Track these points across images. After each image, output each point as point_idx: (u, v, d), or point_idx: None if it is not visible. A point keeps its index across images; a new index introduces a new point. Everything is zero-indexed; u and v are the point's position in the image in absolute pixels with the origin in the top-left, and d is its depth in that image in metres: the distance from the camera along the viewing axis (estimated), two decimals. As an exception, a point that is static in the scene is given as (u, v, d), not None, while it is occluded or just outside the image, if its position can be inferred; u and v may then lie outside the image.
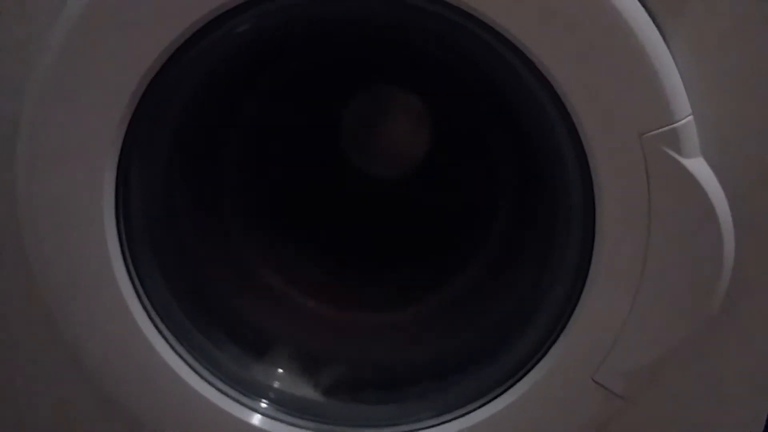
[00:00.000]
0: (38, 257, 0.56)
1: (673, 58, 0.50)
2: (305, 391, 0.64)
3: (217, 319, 0.65)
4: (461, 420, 0.59)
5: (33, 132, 0.54)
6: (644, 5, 0.50)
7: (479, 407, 0.59)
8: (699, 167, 0.51)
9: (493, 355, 0.60)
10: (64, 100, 0.53)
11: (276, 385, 0.64)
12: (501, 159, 0.73)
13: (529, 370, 0.57)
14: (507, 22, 0.49)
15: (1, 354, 0.64)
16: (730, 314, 0.55)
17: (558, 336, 0.56)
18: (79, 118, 0.53)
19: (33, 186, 0.55)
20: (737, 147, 0.52)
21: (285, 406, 0.62)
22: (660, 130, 0.50)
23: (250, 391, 0.62)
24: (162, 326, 0.59)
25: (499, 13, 0.49)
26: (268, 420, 0.61)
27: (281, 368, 0.66)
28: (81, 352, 0.59)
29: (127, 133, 0.54)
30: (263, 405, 0.62)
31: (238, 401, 0.61)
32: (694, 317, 0.54)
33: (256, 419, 0.61)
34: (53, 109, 0.53)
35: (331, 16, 0.58)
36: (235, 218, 0.73)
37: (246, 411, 0.61)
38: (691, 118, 0.51)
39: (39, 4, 0.54)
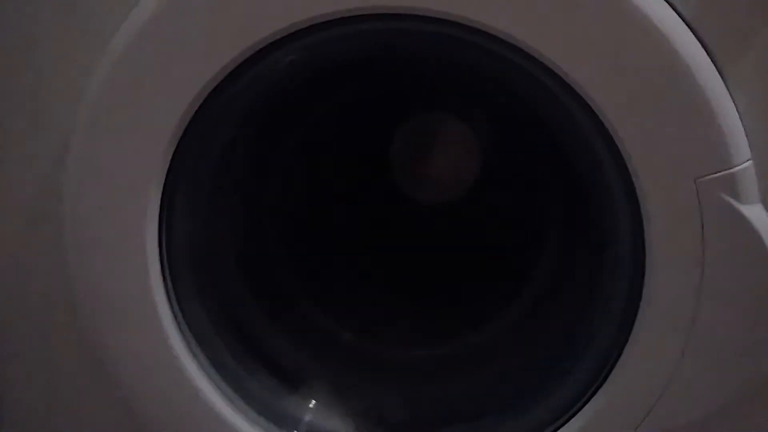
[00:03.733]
0: (81, 282, 0.57)
1: (733, 100, 0.49)
2: (337, 425, 0.63)
3: (253, 349, 0.64)
4: (496, 466, 0.57)
5: (80, 159, 0.54)
6: (704, 45, 0.48)
7: (515, 454, 0.57)
8: (758, 215, 0.48)
9: (532, 401, 0.59)
10: (111, 129, 0.53)
11: (307, 418, 0.63)
12: (549, 196, 0.72)
13: (569, 419, 0.55)
14: (560, 61, 0.48)
15: (38, 382, 0.65)
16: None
17: (601, 385, 0.54)
18: (125, 148, 0.53)
19: (79, 212, 0.55)
20: (800, 195, 0.50)
21: (315, 439, 0.62)
22: (717, 174, 0.48)
23: (281, 422, 0.61)
24: (199, 353, 0.59)
25: (553, 53, 0.48)
26: (298, 453, 0.60)
27: (314, 400, 0.65)
28: (115, 374, 0.59)
29: (172, 161, 0.54)
30: (294, 437, 0.61)
31: (268, 432, 0.60)
32: (746, 373, 0.51)
33: (286, 451, 0.60)
34: (100, 137, 0.54)
35: (380, 50, 0.57)
36: (278, 247, 0.73)
37: (276, 443, 0.60)
38: (750, 163, 0.49)
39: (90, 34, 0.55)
